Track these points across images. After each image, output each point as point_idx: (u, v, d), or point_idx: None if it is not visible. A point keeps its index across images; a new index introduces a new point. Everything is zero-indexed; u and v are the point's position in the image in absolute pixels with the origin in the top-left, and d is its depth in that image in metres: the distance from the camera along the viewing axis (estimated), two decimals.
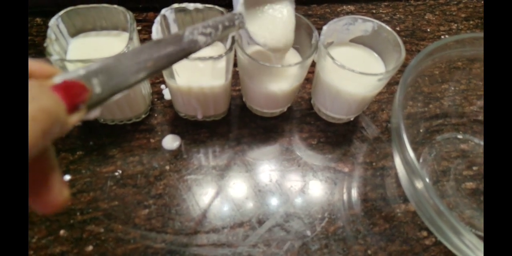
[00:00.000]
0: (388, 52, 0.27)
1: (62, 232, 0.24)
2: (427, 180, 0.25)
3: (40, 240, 0.23)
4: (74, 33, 0.26)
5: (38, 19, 0.36)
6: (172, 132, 0.29)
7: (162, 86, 0.32)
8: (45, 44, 0.22)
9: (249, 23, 0.22)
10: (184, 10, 0.26)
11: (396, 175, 0.28)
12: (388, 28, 0.26)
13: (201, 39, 0.17)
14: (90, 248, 0.23)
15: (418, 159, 0.29)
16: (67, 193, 0.12)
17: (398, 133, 0.21)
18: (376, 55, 0.28)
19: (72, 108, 0.11)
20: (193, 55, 0.17)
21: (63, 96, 0.11)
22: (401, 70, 0.25)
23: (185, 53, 0.16)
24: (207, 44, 0.18)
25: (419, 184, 0.20)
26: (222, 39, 0.27)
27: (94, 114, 0.12)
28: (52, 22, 0.24)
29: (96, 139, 0.28)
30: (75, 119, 0.11)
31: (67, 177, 0.26)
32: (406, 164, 0.21)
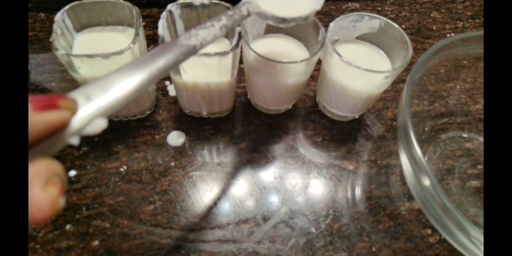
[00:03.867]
0: (395, 49, 0.27)
1: (68, 226, 0.24)
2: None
3: (47, 235, 0.23)
4: (80, 28, 0.26)
5: (42, 14, 0.36)
6: (177, 128, 0.29)
7: (167, 83, 0.32)
8: (51, 39, 0.22)
9: (261, 5, 0.20)
10: (190, 5, 0.25)
11: (400, 173, 0.28)
12: (396, 25, 0.26)
13: (201, 33, 0.16)
14: (96, 243, 0.23)
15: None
16: (57, 203, 0.10)
17: (405, 131, 0.21)
18: (382, 52, 0.28)
19: (41, 106, 0.11)
20: (200, 51, 0.17)
21: (31, 99, 0.11)
22: (407, 68, 0.25)
23: (186, 54, 0.16)
24: (214, 36, 0.17)
25: (426, 182, 0.20)
26: (228, 35, 0.27)
27: (100, 125, 0.12)
28: (58, 16, 0.24)
29: (100, 135, 0.28)
30: (49, 116, 0.11)
31: (73, 173, 0.26)
32: (413, 162, 0.21)
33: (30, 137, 0.10)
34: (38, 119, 0.11)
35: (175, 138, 0.29)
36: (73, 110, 0.12)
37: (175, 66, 0.15)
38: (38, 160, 0.11)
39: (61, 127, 0.11)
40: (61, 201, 0.11)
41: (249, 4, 0.19)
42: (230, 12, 0.18)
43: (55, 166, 0.11)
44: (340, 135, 0.30)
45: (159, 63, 0.14)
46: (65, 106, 0.11)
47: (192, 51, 0.16)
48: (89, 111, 0.12)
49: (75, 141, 0.12)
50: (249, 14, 0.19)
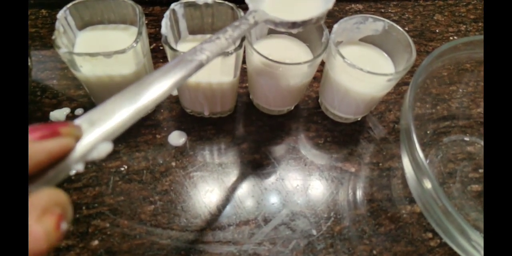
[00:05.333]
0: (398, 52, 0.27)
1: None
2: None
3: None
4: (82, 26, 0.26)
5: (44, 11, 0.36)
6: (178, 128, 0.29)
7: None
8: (53, 37, 0.22)
9: (269, 11, 0.20)
10: (193, 4, 0.25)
11: (402, 176, 0.28)
12: (399, 28, 0.26)
13: (206, 46, 0.16)
14: (96, 242, 0.23)
15: None
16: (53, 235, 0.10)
17: (408, 134, 0.21)
18: (385, 55, 0.28)
19: (42, 136, 0.11)
20: (208, 64, 0.16)
21: (31, 129, 0.11)
22: (410, 70, 0.25)
23: (192, 69, 0.15)
24: (220, 48, 0.17)
25: (427, 185, 0.20)
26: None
27: (106, 150, 0.12)
28: (60, 14, 0.23)
29: None
30: (49, 144, 0.10)
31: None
32: (415, 165, 0.21)
33: (31, 167, 0.10)
34: (39, 148, 0.10)
35: (176, 138, 0.29)
36: (77, 136, 0.11)
37: (182, 82, 0.15)
38: (41, 190, 0.10)
39: (64, 155, 0.11)
40: (62, 228, 0.10)
41: (255, 13, 0.19)
42: (236, 23, 0.18)
43: (57, 195, 0.10)
44: (342, 137, 0.30)
45: (165, 83, 0.14)
46: (67, 133, 0.11)
47: (199, 66, 0.15)
48: (93, 137, 0.12)
49: (80, 167, 0.11)
50: (256, 23, 0.19)
